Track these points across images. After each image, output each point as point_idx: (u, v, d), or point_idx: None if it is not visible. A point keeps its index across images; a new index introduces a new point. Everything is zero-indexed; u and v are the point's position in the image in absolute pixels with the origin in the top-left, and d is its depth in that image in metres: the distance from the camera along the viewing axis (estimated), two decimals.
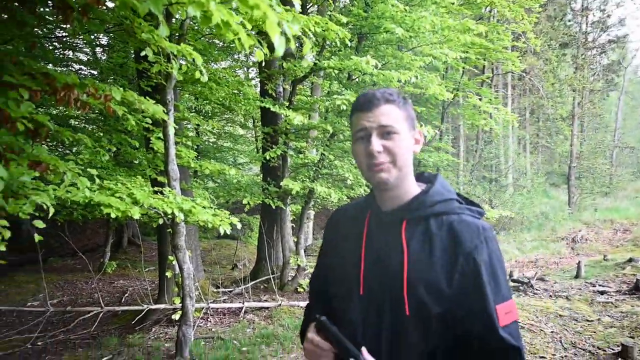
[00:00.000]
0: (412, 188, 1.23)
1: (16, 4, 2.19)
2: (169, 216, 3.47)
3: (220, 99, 7.12)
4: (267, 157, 6.04)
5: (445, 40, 6.22)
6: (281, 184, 6.03)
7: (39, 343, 5.43)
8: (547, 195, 20.88)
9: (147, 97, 2.93)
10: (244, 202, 5.83)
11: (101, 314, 5.09)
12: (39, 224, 2.35)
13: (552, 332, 5.56)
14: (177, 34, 4.00)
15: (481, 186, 17.30)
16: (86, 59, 9.26)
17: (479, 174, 19.18)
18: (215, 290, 6.67)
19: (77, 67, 8.49)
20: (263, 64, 7.03)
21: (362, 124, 1.17)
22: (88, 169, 2.53)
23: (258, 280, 7.32)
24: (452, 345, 1.12)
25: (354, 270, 1.22)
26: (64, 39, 7.36)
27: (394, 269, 1.16)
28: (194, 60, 2.48)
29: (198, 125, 11.70)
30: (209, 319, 5.80)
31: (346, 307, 1.23)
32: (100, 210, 3.04)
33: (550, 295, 7.40)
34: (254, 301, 6.33)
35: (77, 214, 7.19)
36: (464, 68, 15.76)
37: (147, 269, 8.18)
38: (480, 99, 17.38)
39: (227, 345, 4.75)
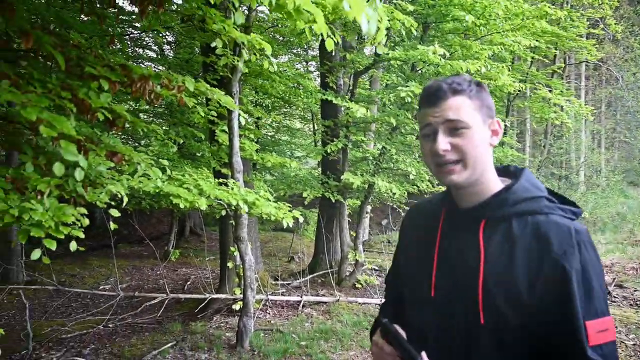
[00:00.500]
0: (493, 184, 1.09)
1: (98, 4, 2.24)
2: (233, 208, 3.48)
3: (280, 92, 7.15)
4: (328, 151, 5.98)
5: (518, 27, 5.82)
6: (341, 177, 5.95)
7: (110, 325, 5.74)
8: (624, 195, 19.29)
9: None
10: (304, 195, 5.81)
11: (166, 301, 5.27)
12: (115, 212, 2.42)
13: (634, 344, 5.10)
14: (243, 26, 4.01)
15: (549, 183, 16.28)
16: (155, 56, 9.68)
17: (547, 170, 18.07)
18: (273, 282, 6.73)
19: (146, 64, 8.89)
20: (323, 56, 6.96)
21: (428, 119, 1.06)
22: (160, 160, 2.57)
23: (316, 274, 7.31)
24: None
25: (425, 271, 1.14)
26: (135, 37, 7.71)
27: (470, 273, 1.05)
28: (263, 50, 2.44)
29: (259, 118, 11.90)
30: (267, 311, 5.85)
31: (417, 309, 1.16)
32: (169, 201, 3.10)
33: (631, 304, 6.80)
34: (312, 295, 6.31)
35: (145, 203, 7.53)
36: (532, 58, 14.86)
37: (208, 259, 8.42)
38: (550, 91, 16.36)
39: (286, 339, 4.75)
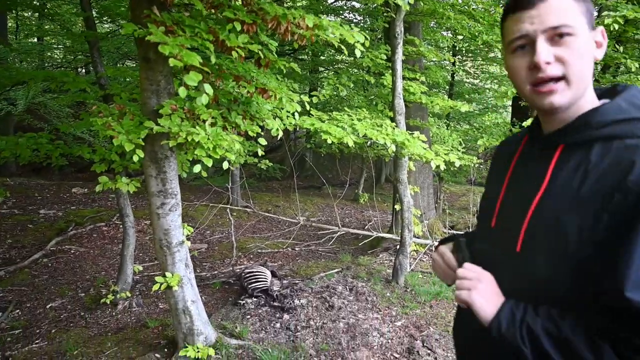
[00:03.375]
0: (589, 105, 0.93)
1: None
2: (379, 148, 3.59)
3: (477, 33, 6.63)
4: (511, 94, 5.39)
5: None
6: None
7: (297, 248, 6.72)
8: None
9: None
10: (479, 143, 5.45)
11: (337, 233, 5.84)
12: (263, 141, 2.84)
13: None
14: None
15: None
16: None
17: None
18: (445, 230, 6.65)
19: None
20: None
21: (522, 28, 0.89)
22: (301, 97, 2.87)
23: None
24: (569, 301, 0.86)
25: (494, 201, 1.08)
26: None
27: (525, 201, 0.95)
28: None
29: (454, 63, 11.34)
30: (432, 260, 5.88)
31: (479, 241, 1.12)
32: (322, 136, 3.42)
33: None
34: None
35: (334, 147, 8.24)
36: None
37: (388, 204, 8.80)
38: None
39: (441, 284, 4.75)
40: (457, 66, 10.78)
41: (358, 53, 2.37)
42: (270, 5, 2.27)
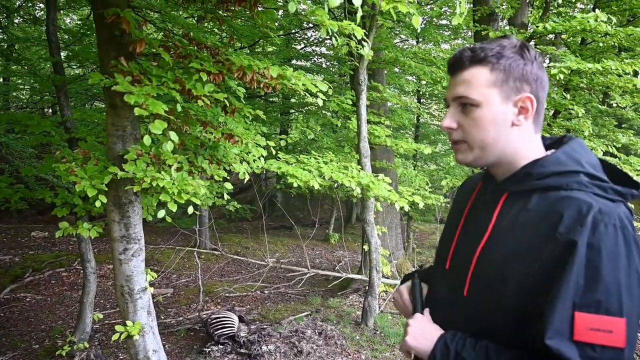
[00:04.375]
0: (532, 155, 0.98)
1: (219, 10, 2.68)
2: (347, 189, 3.68)
3: (438, 79, 6.99)
4: None
5: None
6: None
7: (266, 291, 6.61)
8: None
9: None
10: (442, 183, 5.63)
11: (307, 275, 5.80)
12: (228, 186, 2.87)
13: None
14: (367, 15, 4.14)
15: None
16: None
17: None
18: (414, 269, 6.70)
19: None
20: (476, 39, 6.53)
21: (447, 93, 1.01)
22: (267, 142, 2.94)
23: None
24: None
25: (449, 243, 1.12)
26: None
27: (473, 245, 1.01)
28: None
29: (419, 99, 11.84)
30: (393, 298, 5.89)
31: (435, 279, 1.17)
32: (288, 179, 3.47)
33: None
34: None
35: (304, 189, 8.31)
36: None
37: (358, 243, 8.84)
38: None
39: None
40: (421, 109, 11.23)
41: (320, 102, 2.48)
42: (237, 57, 2.37)
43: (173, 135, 2.22)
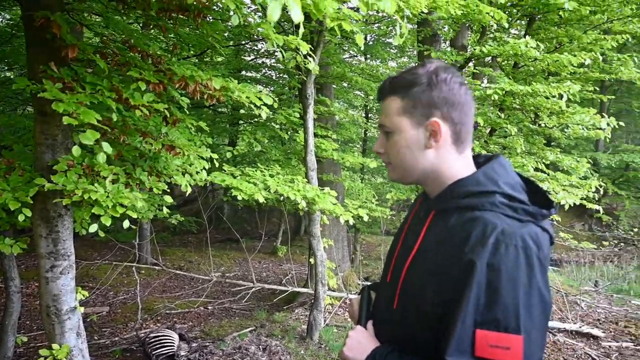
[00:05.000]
0: (460, 174, 1.02)
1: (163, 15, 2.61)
2: (292, 202, 3.67)
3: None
4: None
5: None
6: None
7: (209, 307, 6.41)
8: None
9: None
10: (387, 196, 5.77)
11: (253, 289, 5.69)
12: (168, 199, 2.77)
13: None
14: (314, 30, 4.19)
15: None
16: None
17: None
18: (360, 282, 6.78)
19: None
20: (420, 57, 6.80)
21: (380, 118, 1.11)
22: (211, 154, 2.88)
23: None
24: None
25: (391, 257, 1.16)
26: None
27: (404, 261, 1.06)
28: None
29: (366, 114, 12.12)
30: (347, 310, 5.92)
31: (379, 291, 1.21)
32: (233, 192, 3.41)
33: None
34: None
35: (251, 200, 8.21)
36: None
37: (305, 256, 8.81)
38: None
39: None
40: (369, 124, 11.49)
41: (264, 115, 2.47)
42: (179, 67, 2.31)
43: (106, 146, 2.11)
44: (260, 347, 4.43)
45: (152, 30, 4.63)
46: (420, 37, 6.10)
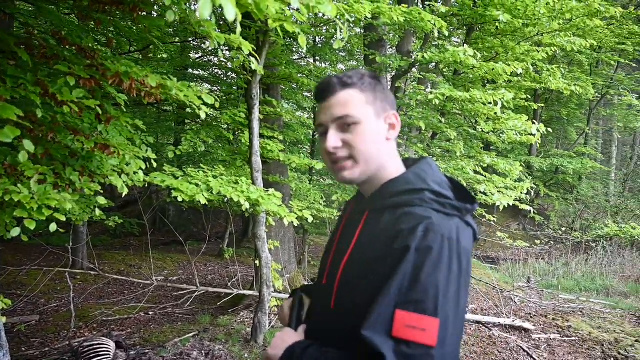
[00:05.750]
0: (392, 175, 1.07)
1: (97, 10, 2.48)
2: (235, 204, 3.61)
3: None
4: None
5: (568, 27, 5.39)
6: None
7: (150, 313, 6.17)
8: None
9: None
10: (334, 197, 5.82)
11: (196, 293, 5.55)
12: (102, 200, 2.64)
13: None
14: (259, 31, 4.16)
15: (636, 199, 14.68)
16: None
17: (634, 185, 16.32)
18: (307, 283, 6.79)
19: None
20: (366, 62, 6.93)
21: (320, 118, 1.06)
22: (147, 154, 2.77)
23: None
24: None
25: (326, 259, 1.16)
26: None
27: (340, 261, 1.07)
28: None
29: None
30: (278, 313, 5.91)
31: (315, 294, 1.20)
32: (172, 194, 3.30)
33: None
34: None
35: (196, 202, 7.99)
36: (618, 62, 13.58)
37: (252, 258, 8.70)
38: (638, 97, 14.84)
39: None
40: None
41: (203, 115, 2.41)
42: (115, 62, 2.20)
43: (27, 144, 1.97)
44: (203, 352, 4.32)
45: (87, 24, 4.40)
46: (367, 41, 6.22)
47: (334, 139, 1.02)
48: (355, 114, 1.01)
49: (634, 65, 14.94)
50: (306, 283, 6.98)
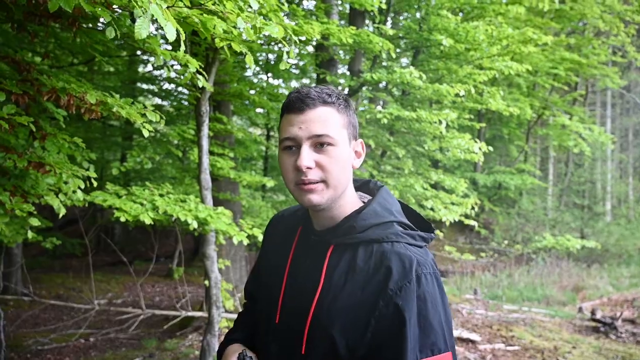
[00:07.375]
0: (350, 206, 1.03)
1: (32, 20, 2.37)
2: (182, 223, 3.52)
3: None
4: None
5: (506, 52, 5.75)
6: None
7: (91, 339, 5.82)
8: None
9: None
10: None
11: (142, 316, 5.31)
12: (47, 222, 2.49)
13: None
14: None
15: (570, 213, 15.68)
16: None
17: (568, 199, 17.44)
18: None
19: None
20: (318, 81, 7.04)
21: (292, 131, 0.95)
22: (87, 172, 2.65)
23: None
24: None
25: (274, 294, 1.07)
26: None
27: (306, 300, 0.99)
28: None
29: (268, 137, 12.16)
30: None
31: (264, 334, 1.09)
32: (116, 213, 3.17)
33: (638, 341, 6.36)
34: None
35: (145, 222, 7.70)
36: (552, 85, 14.58)
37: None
38: (570, 118, 15.92)
39: None
40: (270, 141, 11.54)
41: (146, 133, 2.35)
42: (51, 77, 2.11)
43: None
44: None
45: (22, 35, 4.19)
46: (318, 61, 6.33)
47: (307, 158, 0.93)
48: (334, 135, 0.95)
49: (566, 88, 16.10)
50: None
